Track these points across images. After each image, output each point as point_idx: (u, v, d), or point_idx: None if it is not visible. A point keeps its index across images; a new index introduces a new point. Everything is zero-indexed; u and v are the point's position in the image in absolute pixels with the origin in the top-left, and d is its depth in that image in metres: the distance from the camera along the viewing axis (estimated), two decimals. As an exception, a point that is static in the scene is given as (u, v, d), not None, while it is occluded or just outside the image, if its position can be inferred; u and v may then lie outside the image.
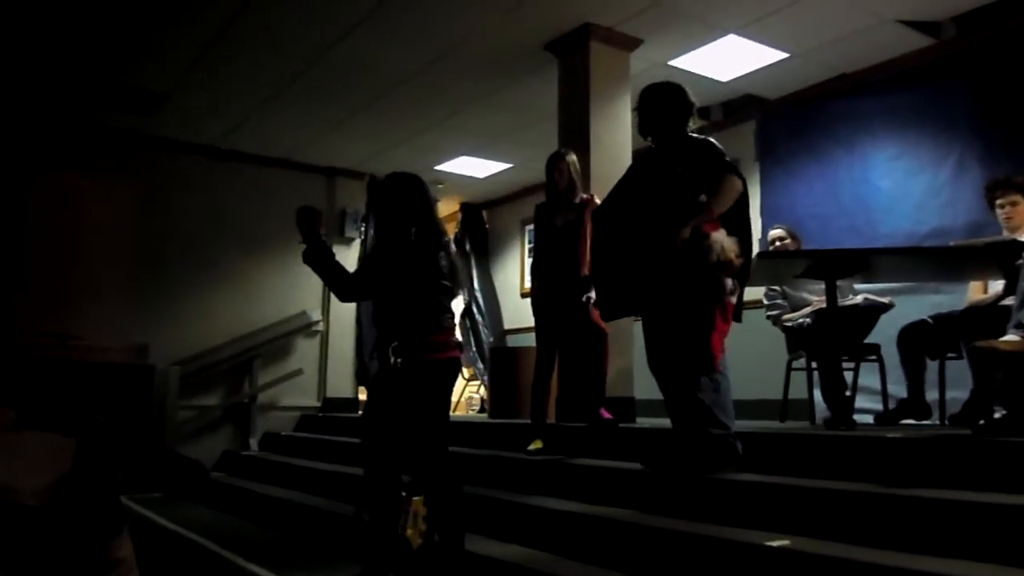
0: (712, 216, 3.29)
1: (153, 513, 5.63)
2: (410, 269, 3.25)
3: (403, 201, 3.36)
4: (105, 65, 6.08)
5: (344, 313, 8.30)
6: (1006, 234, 4.02)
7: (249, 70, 6.12)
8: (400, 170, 3.51)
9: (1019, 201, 4.02)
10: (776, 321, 4.92)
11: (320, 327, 8.29)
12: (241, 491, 6.10)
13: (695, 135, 3.58)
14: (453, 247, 3.48)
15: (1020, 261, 3.14)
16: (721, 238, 3.21)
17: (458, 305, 9.25)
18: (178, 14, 5.30)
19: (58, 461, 2.38)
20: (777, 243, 5.00)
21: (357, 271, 3.44)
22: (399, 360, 3.19)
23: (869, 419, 4.82)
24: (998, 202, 4.08)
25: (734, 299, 3.33)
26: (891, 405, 4.57)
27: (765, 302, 4.98)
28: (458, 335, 3.84)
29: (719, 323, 3.32)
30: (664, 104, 3.57)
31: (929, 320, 4.18)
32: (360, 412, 7.97)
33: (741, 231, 3.36)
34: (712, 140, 3.55)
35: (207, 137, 7.62)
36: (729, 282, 3.26)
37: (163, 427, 6.91)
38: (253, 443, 7.66)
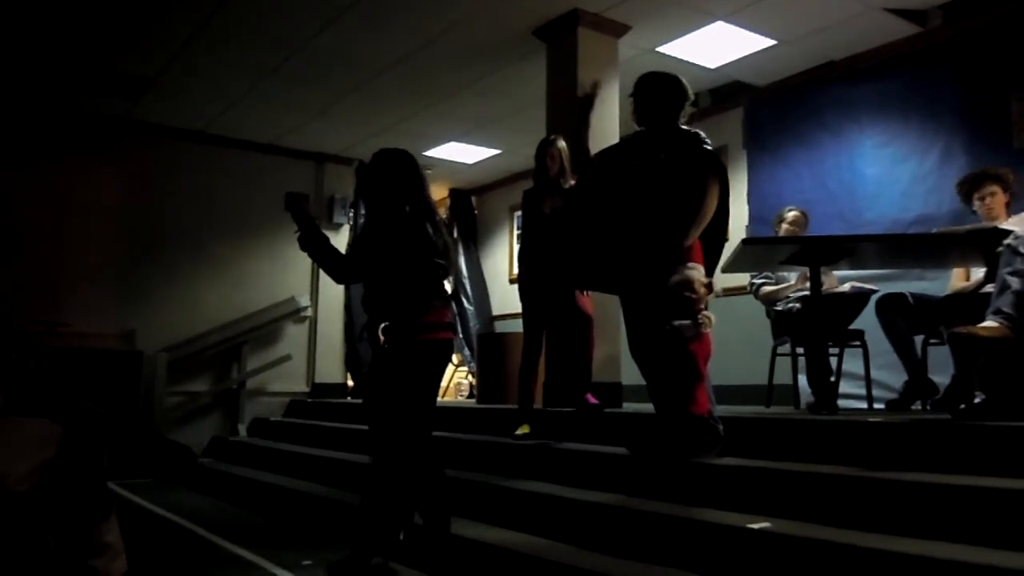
0: (692, 241, 3.41)
1: (142, 498, 5.65)
2: (404, 246, 3.19)
3: (395, 178, 3.30)
4: (92, 50, 6.04)
5: (333, 298, 8.31)
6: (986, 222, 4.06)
7: (237, 55, 6.10)
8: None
9: (997, 191, 4.07)
10: (756, 292, 4.94)
11: (309, 313, 8.30)
12: (230, 476, 6.12)
13: (685, 127, 3.62)
14: (445, 225, 3.45)
15: (1000, 248, 3.17)
16: (698, 277, 3.31)
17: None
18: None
19: (44, 447, 2.39)
20: (786, 225, 5.02)
21: (351, 252, 3.39)
22: (389, 341, 3.17)
23: (853, 404, 4.87)
24: (977, 195, 4.12)
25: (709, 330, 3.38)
26: (874, 390, 4.63)
27: (755, 283, 4.99)
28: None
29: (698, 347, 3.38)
30: (659, 94, 3.60)
31: (909, 297, 4.22)
32: (349, 398, 8.02)
33: (719, 221, 3.51)
34: (700, 132, 3.60)
35: (195, 122, 7.59)
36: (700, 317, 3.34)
37: (151, 413, 6.92)
38: (242, 429, 7.68)
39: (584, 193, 3.88)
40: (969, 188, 4.18)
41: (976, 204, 4.15)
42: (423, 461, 3.22)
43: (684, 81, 3.63)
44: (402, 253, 3.20)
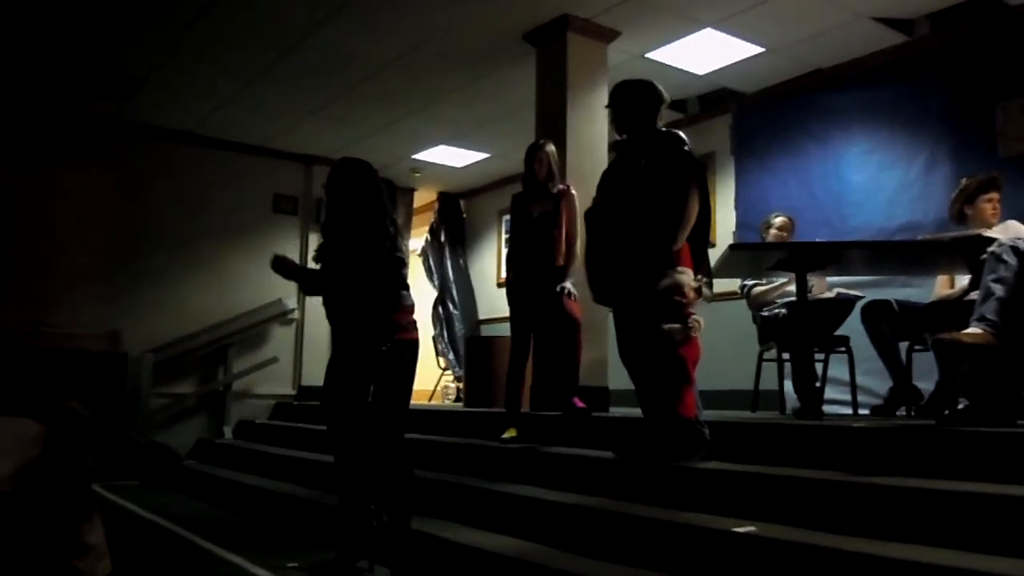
0: (680, 245, 3.42)
1: (127, 501, 5.61)
2: (366, 254, 3.30)
3: (353, 186, 3.42)
4: (81, 50, 6.02)
5: (320, 301, 8.25)
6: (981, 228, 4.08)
7: (227, 56, 6.09)
8: (365, 158, 3.58)
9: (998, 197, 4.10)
10: (748, 293, 4.95)
11: (295, 315, 8.27)
12: (215, 479, 6.09)
13: (663, 129, 3.63)
14: (401, 233, 3.57)
15: (984, 256, 3.20)
16: (688, 281, 3.34)
17: (427, 296, 9.25)
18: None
19: (28, 447, 2.38)
20: (774, 231, 5.04)
21: (322, 266, 3.52)
22: (365, 343, 3.23)
23: (838, 409, 4.89)
24: (987, 197, 4.09)
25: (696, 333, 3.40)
26: (859, 396, 4.66)
27: (746, 284, 5.01)
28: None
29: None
30: (634, 100, 3.63)
31: (894, 303, 4.24)
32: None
33: (702, 224, 3.52)
34: (679, 133, 3.61)
35: (184, 123, 7.56)
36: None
37: (136, 415, 6.88)
38: (227, 431, 7.65)
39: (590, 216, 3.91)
40: (978, 189, 4.14)
41: (984, 206, 4.10)
42: (396, 459, 3.28)
43: (658, 85, 3.66)
44: (365, 260, 3.27)
